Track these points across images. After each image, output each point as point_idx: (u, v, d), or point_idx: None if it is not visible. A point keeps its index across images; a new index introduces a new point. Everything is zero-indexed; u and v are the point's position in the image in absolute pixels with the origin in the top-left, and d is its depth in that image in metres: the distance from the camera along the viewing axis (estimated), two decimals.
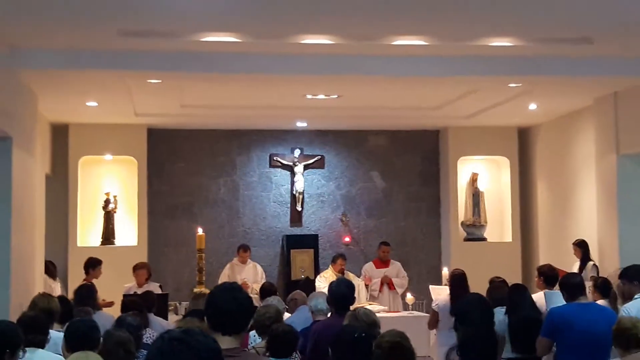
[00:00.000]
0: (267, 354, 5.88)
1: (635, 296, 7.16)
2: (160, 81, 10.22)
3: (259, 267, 13.05)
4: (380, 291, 12.63)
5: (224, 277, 12.55)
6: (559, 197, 13.41)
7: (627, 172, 11.29)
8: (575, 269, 11.19)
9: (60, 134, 13.20)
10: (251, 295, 11.19)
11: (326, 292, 7.03)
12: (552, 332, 6.38)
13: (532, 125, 14.24)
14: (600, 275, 10.30)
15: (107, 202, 13.27)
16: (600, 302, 8.08)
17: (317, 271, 13.24)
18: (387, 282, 12.67)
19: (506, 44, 9.10)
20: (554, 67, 9.88)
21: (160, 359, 2.36)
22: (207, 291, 8.96)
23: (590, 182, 12.16)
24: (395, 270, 12.89)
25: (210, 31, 8.64)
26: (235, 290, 3.77)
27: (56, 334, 6.01)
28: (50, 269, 11.46)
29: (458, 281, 8.98)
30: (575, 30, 8.73)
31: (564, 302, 6.71)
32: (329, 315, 7.10)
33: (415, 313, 12.00)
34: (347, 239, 14.28)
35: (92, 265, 11.12)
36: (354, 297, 6.87)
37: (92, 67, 9.36)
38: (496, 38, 8.99)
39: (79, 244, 13.09)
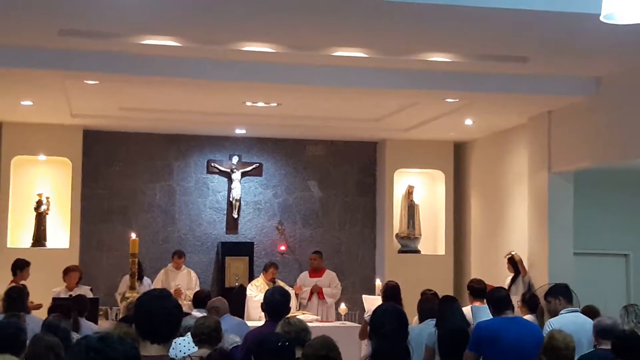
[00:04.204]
0: None
1: (561, 312, 7.33)
2: (97, 82, 10.10)
3: (194, 274, 12.96)
4: (309, 300, 12.65)
5: (157, 283, 12.44)
6: (491, 211, 13.61)
7: (558, 190, 11.52)
8: (506, 283, 11.39)
9: None
10: (184, 302, 11.27)
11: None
12: (478, 346, 6.47)
13: (468, 141, 14.44)
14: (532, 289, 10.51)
15: (39, 203, 13.02)
16: (528, 317, 8.23)
17: (251, 279, 13.16)
18: (316, 292, 12.69)
19: (444, 59, 9.23)
20: (490, 84, 10.06)
21: None
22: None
23: (522, 198, 12.38)
24: (328, 280, 12.91)
25: (150, 34, 8.57)
26: (164, 299, 3.74)
27: None
28: None
29: (391, 293, 9.03)
30: (511, 49, 8.90)
31: (490, 316, 6.82)
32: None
33: (348, 323, 12.03)
34: (282, 248, 14.26)
35: (20, 266, 10.90)
36: (289, 306, 6.86)
37: (28, 66, 9.19)
38: (435, 53, 9.12)
39: (9, 245, 12.83)
